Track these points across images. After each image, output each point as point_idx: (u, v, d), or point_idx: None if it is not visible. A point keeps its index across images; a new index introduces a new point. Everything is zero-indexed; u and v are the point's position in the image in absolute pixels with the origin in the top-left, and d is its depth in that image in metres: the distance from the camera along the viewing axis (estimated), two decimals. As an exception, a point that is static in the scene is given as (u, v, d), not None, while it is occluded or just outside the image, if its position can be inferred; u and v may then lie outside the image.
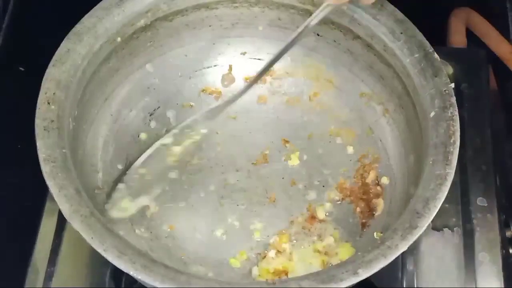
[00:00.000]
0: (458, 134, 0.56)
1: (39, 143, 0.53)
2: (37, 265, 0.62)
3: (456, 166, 0.55)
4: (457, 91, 0.72)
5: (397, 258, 0.61)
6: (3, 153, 0.69)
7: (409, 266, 0.63)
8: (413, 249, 0.64)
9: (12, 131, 0.68)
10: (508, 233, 0.66)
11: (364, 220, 0.64)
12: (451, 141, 0.56)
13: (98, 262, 0.62)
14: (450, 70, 0.74)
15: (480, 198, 0.66)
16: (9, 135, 0.68)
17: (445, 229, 0.65)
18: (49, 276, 0.62)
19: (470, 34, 0.82)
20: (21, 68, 0.73)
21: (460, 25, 0.82)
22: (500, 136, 0.72)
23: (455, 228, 0.65)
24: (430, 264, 0.63)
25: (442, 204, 0.53)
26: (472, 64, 0.75)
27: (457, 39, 0.81)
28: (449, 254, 0.64)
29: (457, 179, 0.67)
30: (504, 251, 0.64)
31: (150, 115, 0.69)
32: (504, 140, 0.74)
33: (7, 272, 0.63)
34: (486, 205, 0.66)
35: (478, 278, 0.63)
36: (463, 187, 0.67)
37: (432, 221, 0.63)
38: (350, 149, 0.68)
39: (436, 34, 0.73)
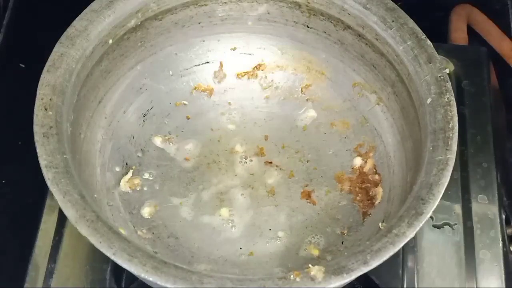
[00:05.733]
0: (456, 119, 0.57)
1: (40, 150, 0.52)
2: (37, 262, 0.62)
3: (457, 163, 0.55)
4: (458, 88, 0.73)
5: (397, 256, 0.62)
6: (4, 149, 0.68)
7: (410, 264, 0.63)
8: (414, 246, 0.64)
9: (12, 128, 0.68)
10: (509, 231, 0.67)
11: (364, 210, 0.64)
12: (450, 126, 0.56)
13: (98, 258, 0.62)
14: (451, 67, 0.74)
15: (481, 195, 0.67)
16: (10, 131, 0.68)
17: (446, 227, 0.65)
18: (49, 273, 0.62)
19: (471, 31, 0.83)
20: (21, 65, 0.73)
21: (461, 22, 0.83)
22: (501, 133, 0.73)
23: (455, 226, 0.65)
24: (431, 262, 0.63)
25: (443, 201, 0.54)
26: (473, 61, 0.76)
27: (458, 36, 0.82)
28: (449, 252, 0.64)
29: (457, 176, 0.67)
30: (505, 249, 0.64)
31: (143, 116, 0.69)
32: (505, 137, 0.74)
33: (7, 269, 0.63)
34: (487, 202, 0.66)
35: (479, 276, 0.63)
36: (464, 184, 0.67)
37: (432, 219, 0.64)
38: (345, 140, 0.69)
39: (437, 31, 0.73)
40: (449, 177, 0.54)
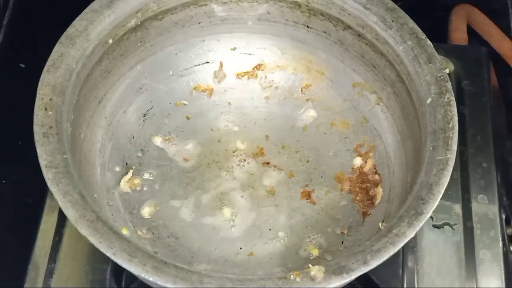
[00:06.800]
0: (456, 119, 0.57)
1: (40, 150, 0.52)
2: (37, 262, 0.62)
3: (457, 163, 0.55)
4: (458, 88, 0.73)
5: (397, 256, 0.62)
6: (4, 149, 0.68)
7: (410, 264, 0.63)
8: (414, 246, 0.64)
9: (12, 128, 0.68)
10: (509, 231, 0.67)
11: (364, 210, 0.64)
12: (450, 126, 0.56)
13: (98, 258, 0.63)
14: (451, 67, 0.74)
15: (481, 195, 0.67)
16: (10, 131, 0.68)
17: (446, 227, 0.65)
18: (49, 273, 0.62)
19: (471, 31, 0.83)
20: (21, 65, 0.73)
21: (461, 22, 0.83)
22: (501, 133, 0.73)
23: (455, 226, 0.65)
24: (431, 262, 0.63)
25: (443, 201, 0.53)
26: (473, 61, 0.76)
27: (458, 36, 0.82)
28: (449, 252, 0.64)
29: (457, 176, 0.67)
30: (505, 249, 0.64)
31: (143, 116, 0.69)
32: (505, 137, 0.74)
33: (7, 269, 0.63)
34: (487, 202, 0.66)
35: (479, 276, 0.63)
36: (464, 184, 0.67)
37: (432, 219, 0.64)
38: (345, 140, 0.69)
39: (437, 31, 0.73)
40: (449, 177, 0.54)
